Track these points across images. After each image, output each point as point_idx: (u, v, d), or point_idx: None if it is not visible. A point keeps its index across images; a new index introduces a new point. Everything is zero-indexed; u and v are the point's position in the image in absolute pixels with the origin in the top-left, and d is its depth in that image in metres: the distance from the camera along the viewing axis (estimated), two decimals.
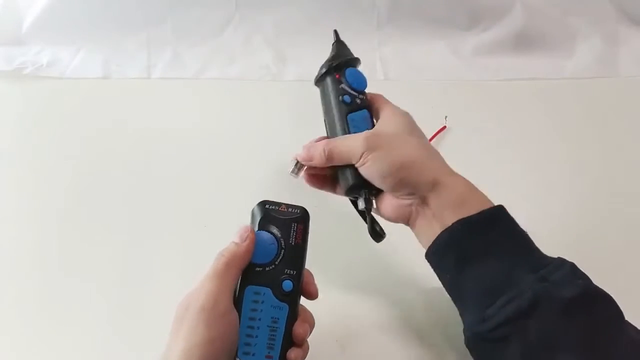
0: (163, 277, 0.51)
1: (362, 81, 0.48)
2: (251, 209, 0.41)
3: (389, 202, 0.43)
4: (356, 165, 0.42)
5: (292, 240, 0.40)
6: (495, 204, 0.41)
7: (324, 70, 0.48)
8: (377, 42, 0.82)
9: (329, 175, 0.47)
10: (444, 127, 0.66)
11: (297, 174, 0.46)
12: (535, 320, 0.35)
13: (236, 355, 0.36)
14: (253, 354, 0.36)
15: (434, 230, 0.40)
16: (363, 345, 0.45)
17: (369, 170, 0.42)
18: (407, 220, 0.43)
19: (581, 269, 0.38)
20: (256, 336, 0.37)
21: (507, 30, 0.81)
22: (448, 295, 0.41)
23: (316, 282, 0.41)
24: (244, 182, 0.61)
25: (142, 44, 0.80)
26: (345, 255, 0.52)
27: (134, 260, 0.52)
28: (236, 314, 0.36)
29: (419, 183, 0.41)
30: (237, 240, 0.38)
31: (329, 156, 0.44)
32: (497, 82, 0.77)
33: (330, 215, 0.56)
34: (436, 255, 0.40)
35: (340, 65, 0.47)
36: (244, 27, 0.83)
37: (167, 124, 0.69)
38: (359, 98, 0.47)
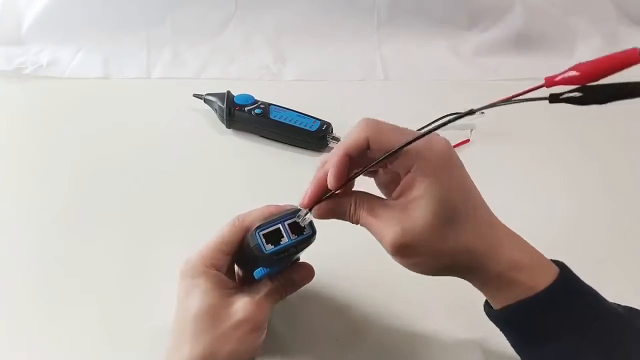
0: (163, 276, 0.50)
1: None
2: (255, 255, 0.39)
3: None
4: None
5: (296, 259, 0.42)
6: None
7: None
8: (377, 41, 0.82)
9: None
10: (468, 140, 0.65)
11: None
12: None
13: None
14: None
15: (485, 294, 0.37)
16: (363, 345, 0.45)
17: (402, 264, 0.36)
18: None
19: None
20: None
21: (508, 30, 0.81)
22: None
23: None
24: (245, 181, 0.61)
25: (141, 43, 0.80)
26: (346, 254, 0.52)
27: (133, 260, 0.52)
28: (265, 330, 0.39)
29: (458, 276, 0.36)
30: (296, 279, 0.41)
31: (361, 223, 0.37)
32: (497, 81, 0.77)
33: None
34: (496, 323, 0.38)
35: None
36: (243, 26, 0.83)
37: (167, 123, 0.69)
38: None
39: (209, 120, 0.69)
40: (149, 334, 0.45)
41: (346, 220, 0.37)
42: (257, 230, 0.38)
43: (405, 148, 0.33)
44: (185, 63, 0.79)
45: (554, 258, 0.38)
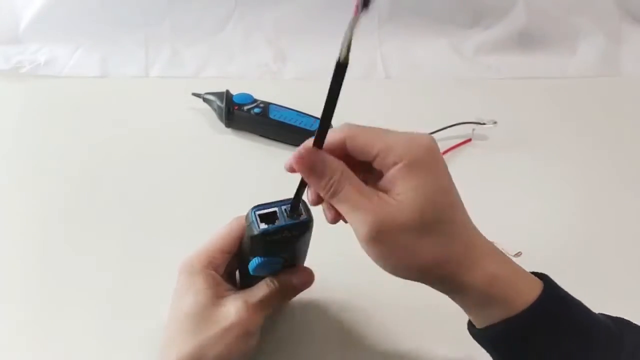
0: (161, 275, 0.50)
1: None
2: (248, 235, 0.38)
3: None
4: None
5: (293, 254, 0.40)
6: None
7: None
8: (378, 40, 0.81)
9: None
10: (469, 139, 0.65)
11: None
12: None
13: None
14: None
15: (466, 311, 0.35)
16: (363, 344, 0.45)
17: (373, 259, 0.33)
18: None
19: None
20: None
21: (510, 28, 0.80)
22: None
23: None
24: (244, 180, 0.61)
25: (140, 42, 0.80)
26: (348, 253, 0.52)
27: (132, 258, 0.52)
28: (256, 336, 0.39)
29: (438, 287, 0.34)
30: (297, 283, 0.40)
31: (332, 200, 0.33)
32: (499, 80, 0.77)
33: None
34: (480, 343, 0.36)
35: None
36: (243, 25, 0.82)
37: (166, 122, 0.68)
38: None
39: (208, 120, 0.68)
40: (149, 334, 0.45)
41: (320, 187, 0.32)
42: (254, 209, 0.37)
43: (390, 144, 0.31)
44: (183, 62, 0.79)
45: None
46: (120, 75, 0.77)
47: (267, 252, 0.37)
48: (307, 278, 0.41)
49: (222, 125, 0.67)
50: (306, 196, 0.36)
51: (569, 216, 0.57)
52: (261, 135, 0.66)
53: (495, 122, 0.65)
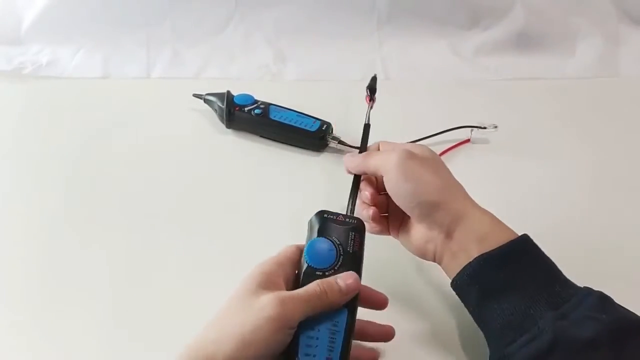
0: (162, 275, 0.50)
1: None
2: (309, 220, 0.42)
3: (413, 237, 0.44)
4: (385, 180, 0.43)
5: (350, 248, 0.40)
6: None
7: None
8: (378, 41, 0.82)
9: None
10: (468, 140, 0.65)
11: None
12: None
13: (296, 355, 0.36)
14: (314, 355, 0.37)
15: (459, 262, 0.40)
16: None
17: (398, 186, 0.42)
18: (432, 257, 0.43)
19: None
20: (317, 338, 0.37)
21: (508, 29, 0.80)
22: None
23: None
24: (244, 181, 0.61)
25: (141, 43, 0.80)
26: None
27: (132, 260, 0.52)
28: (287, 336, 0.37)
29: (446, 214, 0.41)
30: (342, 285, 0.38)
31: (371, 156, 0.46)
32: (498, 81, 0.77)
33: None
34: (459, 288, 0.41)
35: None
36: (244, 26, 0.82)
37: (167, 123, 0.69)
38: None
39: (209, 120, 0.68)
40: (149, 335, 0.45)
41: (362, 154, 0.47)
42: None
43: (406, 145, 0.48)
44: (185, 62, 0.79)
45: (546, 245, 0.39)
46: (122, 76, 0.77)
47: (322, 228, 0.41)
48: (351, 280, 0.38)
49: (222, 126, 0.67)
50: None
51: (567, 216, 0.57)
52: (262, 136, 0.66)
53: (495, 127, 0.65)
